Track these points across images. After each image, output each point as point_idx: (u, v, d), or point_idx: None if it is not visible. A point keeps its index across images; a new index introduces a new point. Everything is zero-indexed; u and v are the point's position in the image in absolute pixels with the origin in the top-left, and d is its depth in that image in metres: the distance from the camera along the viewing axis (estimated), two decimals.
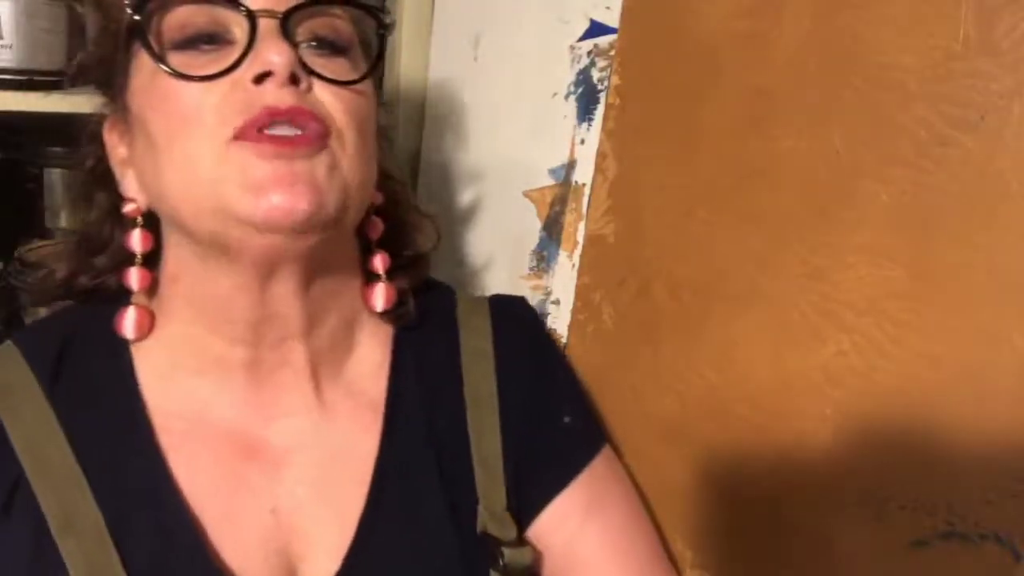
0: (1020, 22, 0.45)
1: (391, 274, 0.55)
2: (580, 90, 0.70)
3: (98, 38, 0.50)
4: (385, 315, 0.55)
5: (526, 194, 0.76)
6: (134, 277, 0.51)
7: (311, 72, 0.45)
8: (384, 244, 0.55)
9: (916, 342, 0.51)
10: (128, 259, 0.51)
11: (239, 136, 0.43)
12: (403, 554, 0.50)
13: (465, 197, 0.82)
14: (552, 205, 0.73)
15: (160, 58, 0.44)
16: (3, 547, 0.44)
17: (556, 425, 0.58)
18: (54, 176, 0.87)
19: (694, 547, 0.64)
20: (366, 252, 0.55)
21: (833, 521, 0.55)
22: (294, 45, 0.45)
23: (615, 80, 0.67)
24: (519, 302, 0.66)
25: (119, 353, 0.50)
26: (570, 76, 0.71)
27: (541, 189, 0.74)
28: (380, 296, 0.54)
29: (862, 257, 0.53)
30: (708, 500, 0.63)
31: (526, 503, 0.55)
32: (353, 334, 0.54)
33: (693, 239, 0.62)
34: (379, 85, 0.55)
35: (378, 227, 0.55)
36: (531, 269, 0.76)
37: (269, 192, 0.42)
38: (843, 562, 0.55)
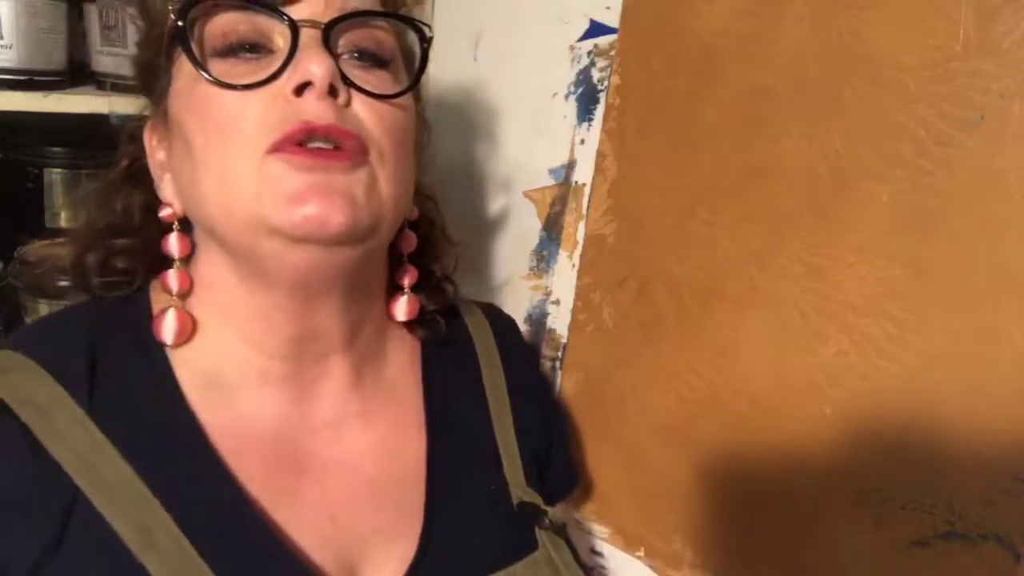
0: (1020, 22, 0.45)
1: (415, 289, 0.56)
2: (580, 90, 0.70)
3: (142, 42, 0.50)
4: (410, 328, 0.57)
5: (526, 194, 0.76)
6: (173, 280, 0.49)
7: (351, 84, 0.45)
8: (413, 260, 0.56)
9: (916, 342, 0.51)
10: (150, 259, 0.51)
11: (276, 149, 0.43)
12: (466, 541, 0.52)
13: (465, 197, 0.82)
14: (552, 205, 0.73)
15: (201, 65, 0.44)
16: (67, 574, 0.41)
17: (564, 452, 0.66)
18: (54, 176, 0.87)
19: (694, 547, 0.64)
20: (395, 264, 0.55)
21: (833, 521, 0.55)
22: (335, 56, 0.45)
23: (615, 80, 0.67)
24: (498, 309, 0.69)
25: (155, 362, 0.48)
26: (570, 76, 0.71)
27: (541, 189, 0.74)
28: (402, 308, 0.55)
29: (862, 257, 0.53)
30: (708, 500, 0.63)
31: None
32: (385, 343, 0.56)
33: (693, 239, 0.62)
34: (418, 98, 0.54)
35: (412, 241, 0.56)
36: (531, 269, 0.76)
37: (305, 202, 0.42)
38: (843, 562, 0.55)
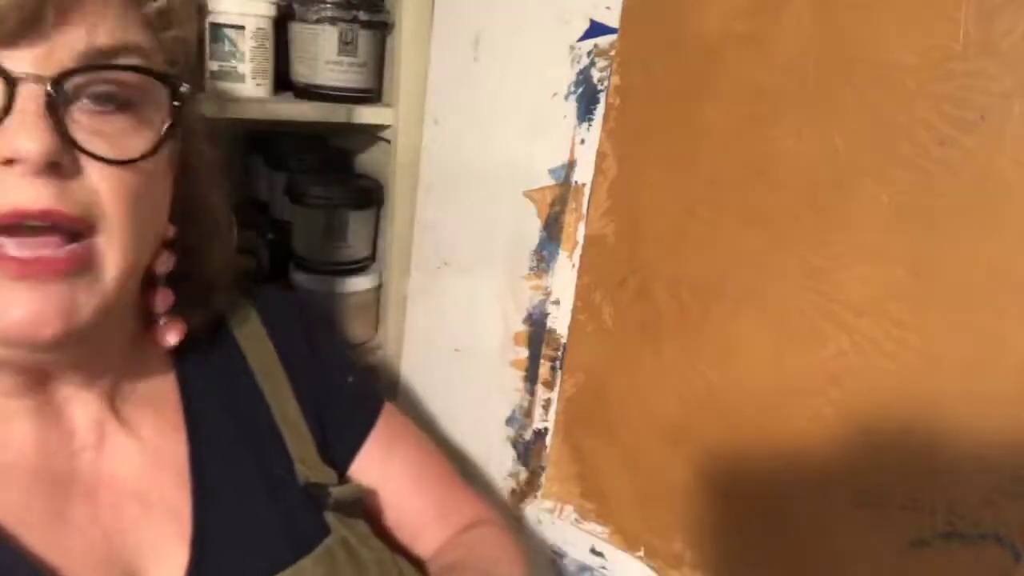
0: (1020, 22, 0.45)
1: (179, 308, 0.51)
2: (580, 90, 0.70)
3: None
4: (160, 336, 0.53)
5: (526, 194, 0.76)
6: None
7: (80, 150, 0.38)
8: (174, 277, 0.50)
9: (916, 342, 0.51)
10: None
11: None
12: (246, 540, 0.50)
13: (465, 197, 0.82)
14: (552, 205, 0.73)
15: None
16: None
17: (344, 386, 0.63)
18: None
19: (694, 547, 0.64)
20: (148, 285, 0.50)
21: (833, 521, 0.55)
22: (62, 117, 0.37)
23: (615, 80, 0.67)
24: (268, 288, 0.64)
25: None
26: (570, 76, 0.71)
27: (541, 189, 0.74)
28: (170, 334, 0.51)
29: (862, 257, 0.53)
30: (708, 500, 0.63)
31: (339, 455, 0.59)
32: (137, 356, 0.52)
33: (693, 239, 0.62)
34: (200, 87, 0.48)
35: (167, 263, 0.49)
36: (531, 269, 0.76)
37: (8, 310, 0.37)
38: (843, 562, 0.55)
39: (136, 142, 0.40)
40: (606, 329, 0.69)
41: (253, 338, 0.57)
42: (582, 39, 0.69)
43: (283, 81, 0.89)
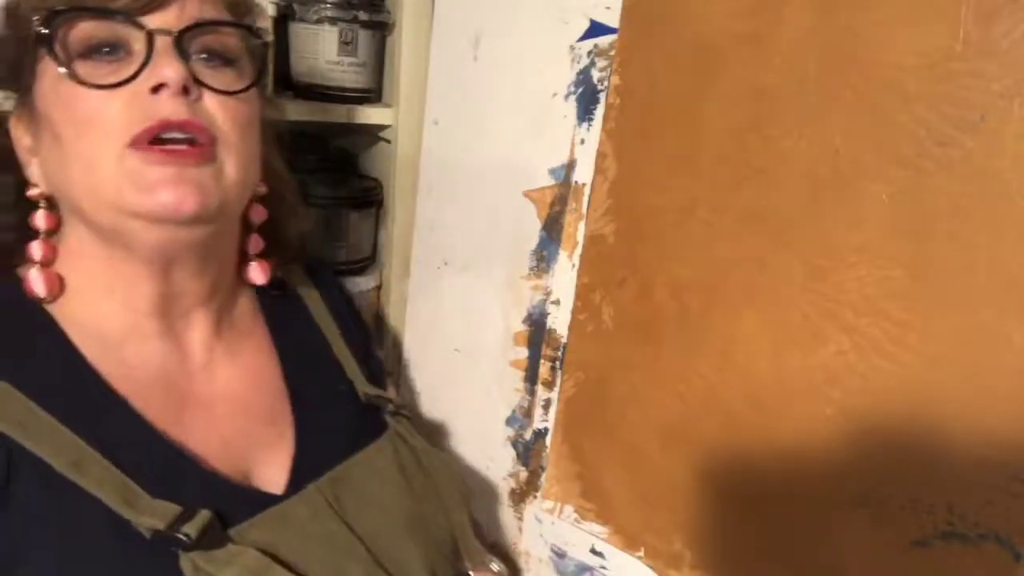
0: (1020, 22, 0.45)
1: (265, 254, 0.65)
2: (580, 90, 0.70)
3: (4, 43, 0.55)
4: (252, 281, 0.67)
5: (526, 194, 0.76)
6: (37, 249, 0.55)
7: (201, 84, 0.52)
8: (264, 229, 0.64)
9: (916, 342, 0.51)
10: (27, 235, 0.56)
11: (134, 144, 0.49)
12: (329, 434, 0.63)
13: (465, 197, 0.82)
14: (552, 205, 0.73)
15: (68, 68, 0.50)
16: (20, 509, 0.48)
17: (376, 356, 0.80)
18: None
19: (694, 547, 0.64)
20: (247, 233, 0.64)
21: (833, 521, 0.55)
22: (187, 58, 0.51)
23: (615, 80, 0.67)
24: (316, 260, 0.77)
25: (47, 327, 0.54)
26: (570, 76, 0.71)
27: (541, 189, 0.74)
28: (257, 272, 0.64)
29: (862, 257, 0.53)
30: (708, 500, 0.63)
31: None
32: (235, 296, 0.65)
33: (693, 239, 0.62)
34: (264, 89, 0.62)
35: (260, 213, 0.64)
36: (531, 269, 0.76)
37: (159, 191, 0.49)
38: (843, 562, 0.55)
39: (238, 85, 0.55)
40: (606, 329, 0.69)
41: (311, 297, 0.72)
42: (582, 39, 0.69)
43: (283, 81, 0.89)
